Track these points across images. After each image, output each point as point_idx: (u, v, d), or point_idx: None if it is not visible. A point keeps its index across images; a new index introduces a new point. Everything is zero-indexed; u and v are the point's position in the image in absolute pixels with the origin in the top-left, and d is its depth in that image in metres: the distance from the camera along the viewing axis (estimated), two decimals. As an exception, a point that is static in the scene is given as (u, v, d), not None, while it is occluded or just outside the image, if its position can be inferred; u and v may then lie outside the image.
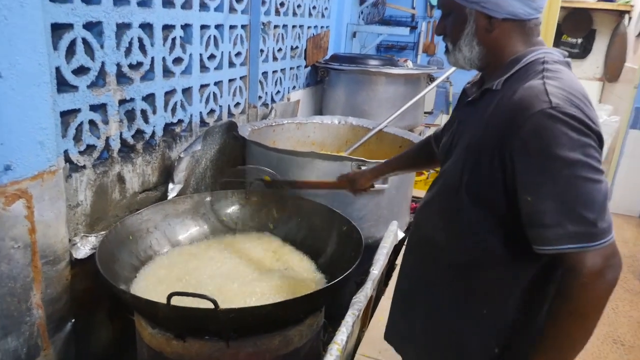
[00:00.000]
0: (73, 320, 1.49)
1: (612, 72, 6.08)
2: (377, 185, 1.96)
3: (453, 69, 2.59)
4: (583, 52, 6.45)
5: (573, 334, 1.00)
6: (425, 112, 4.21)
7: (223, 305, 1.17)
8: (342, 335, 1.24)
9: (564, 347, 1.01)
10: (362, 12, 4.38)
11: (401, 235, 2.11)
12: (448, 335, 1.17)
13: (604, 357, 2.83)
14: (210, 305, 1.16)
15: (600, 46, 6.40)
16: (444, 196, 1.14)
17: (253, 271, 1.61)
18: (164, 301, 1.18)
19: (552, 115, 0.93)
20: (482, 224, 1.07)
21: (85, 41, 1.47)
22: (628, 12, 5.79)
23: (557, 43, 6.53)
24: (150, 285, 1.51)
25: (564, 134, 0.93)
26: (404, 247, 1.38)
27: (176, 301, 1.18)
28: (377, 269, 1.61)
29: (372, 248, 1.83)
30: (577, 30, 6.42)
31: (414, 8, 5.25)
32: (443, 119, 5.33)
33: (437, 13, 5.28)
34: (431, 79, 3.44)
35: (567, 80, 1.01)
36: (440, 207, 1.16)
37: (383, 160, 1.64)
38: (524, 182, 0.97)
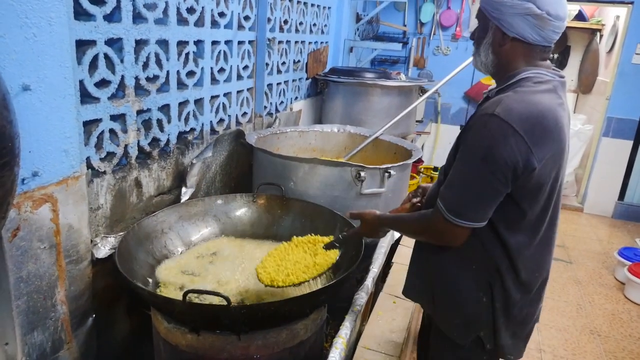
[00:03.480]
0: (94, 316, 1.47)
1: (585, 84, 6.10)
2: (375, 189, 1.96)
3: (442, 82, 2.59)
4: (559, 66, 6.48)
5: (409, 228, 1.40)
6: (416, 121, 4.21)
7: (235, 301, 1.16)
8: (346, 330, 1.23)
9: (402, 226, 1.43)
10: (358, 29, 4.39)
11: (397, 235, 2.10)
12: (449, 286, 1.35)
13: (582, 347, 2.83)
14: (223, 302, 1.14)
15: (574, 61, 6.43)
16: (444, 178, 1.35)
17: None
18: (180, 298, 1.17)
19: (485, 122, 1.12)
20: None
21: (106, 56, 1.46)
22: (599, 30, 5.82)
23: (536, 58, 6.56)
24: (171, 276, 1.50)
25: (487, 137, 1.12)
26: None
27: (191, 298, 1.17)
28: (376, 267, 1.60)
29: (371, 247, 1.82)
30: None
31: (405, 25, 5.26)
32: (432, 127, 5.34)
33: (426, 30, 5.30)
34: (422, 90, 3.44)
35: (529, 98, 1.14)
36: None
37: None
38: (457, 158, 1.21)
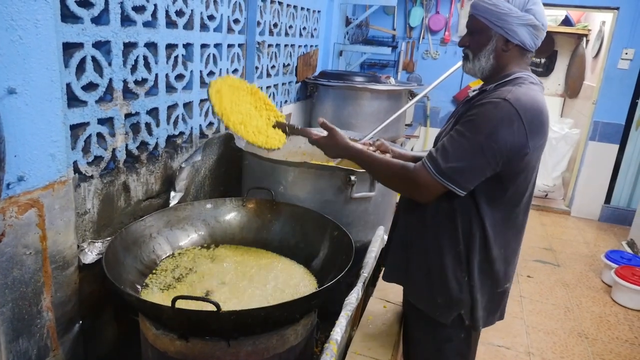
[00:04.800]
0: (81, 322, 1.45)
1: (572, 89, 6.19)
2: (365, 193, 1.96)
3: (431, 86, 2.61)
4: (546, 70, 6.57)
5: (380, 167, 1.46)
6: (406, 124, 4.23)
7: (224, 307, 1.15)
8: (337, 335, 1.22)
9: (368, 164, 1.49)
10: (347, 33, 4.40)
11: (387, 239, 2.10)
12: (434, 269, 1.46)
13: (570, 349, 2.86)
14: (213, 308, 1.14)
15: (561, 66, 6.52)
16: None
17: (252, 274, 1.59)
18: (169, 303, 1.15)
19: (497, 104, 1.26)
20: None
21: (94, 59, 1.44)
22: (586, 35, 5.91)
23: (523, 62, 6.63)
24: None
25: (496, 117, 1.25)
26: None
27: (179, 304, 1.15)
28: (366, 271, 1.60)
29: (361, 251, 1.82)
30: (541, 51, 6.53)
31: (394, 29, 5.29)
32: (421, 131, 5.37)
33: (415, 34, 5.33)
34: (411, 94, 3.46)
35: (532, 94, 1.31)
36: None
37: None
38: (457, 128, 1.32)
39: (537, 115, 1.29)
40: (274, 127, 1.61)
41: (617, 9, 4.62)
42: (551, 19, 6.08)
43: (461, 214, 1.40)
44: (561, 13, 5.99)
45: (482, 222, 1.39)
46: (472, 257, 1.41)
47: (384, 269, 1.67)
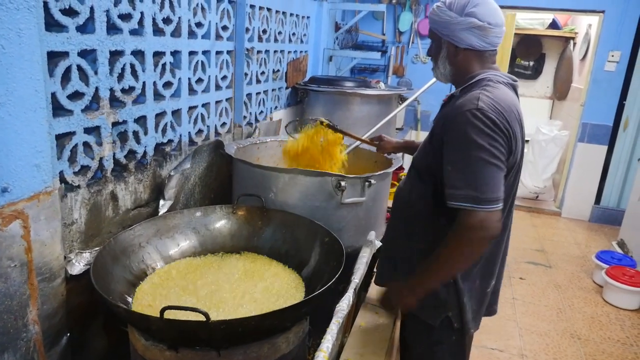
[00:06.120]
0: (68, 334, 1.43)
1: (560, 91, 6.25)
2: (355, 199, 1.96)
3: (422, 89, 2.62)
4: (534, 73, 6.63)
5: (444, 263, 1.36)
6: (396, 129, 4.24)
7: (214, 317, 1.14)
8: (327, 343, 1.21)
9: (436, 270, 1.38)
10: (337, 38, 4.41)
11: (378, 244, 2.10)
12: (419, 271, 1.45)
13: (562, 350, 2.87)
14: (202, 318, 1.12)
15: (549, 68, 6.58)
16: (415, 171, 1.56)
17: (241, 283, 1.57)
18: (157, 314, 1.14)
19: (474, 114, 1.25)
20: (440, 190, 1.36)
21: (80, 68, 1.43)
22: (573, 38, 5.98)
23: (512, 65, 6.70)
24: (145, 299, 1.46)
25: (477, 127, 1.23)
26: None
27: (168, 314, 1.14)
28: (357, 277, 1.59)
29: (352, 257, 1.81)
30: (529, 54, 6.60)
31: (384, 34, 5.31)
32: (412, 135, 5.38)
33: (404, 39, 5.36)
34: (402, 98, 3.47)
35: (499, 94, 1.31)
36: (414, 176, 1.55)
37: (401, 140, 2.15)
38: (447, 156, 1.31)
39: (510, 112, 1.30)
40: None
41: (603, 12, 4.68)
42: (538, 22, 6.15)
43: (445, 219, 1.40)
44: (548, 16, 6.05)
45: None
46: None
47: (375, 272, 1.73)
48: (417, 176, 1.54)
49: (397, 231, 1.64)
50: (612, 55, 4.70)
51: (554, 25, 6.03)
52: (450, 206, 1.29)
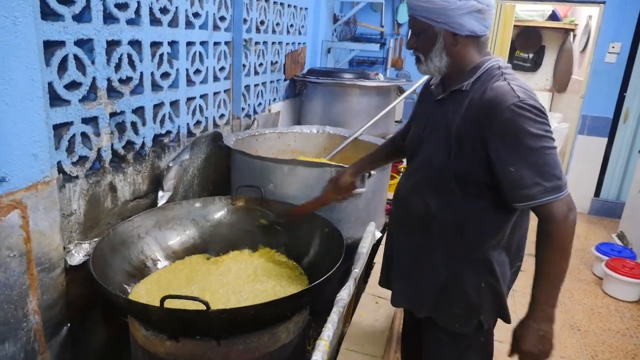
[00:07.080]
0: (69, 325, 1.44)
1: (560, 83, 6.24)
2: (357, 190, 1.96)
3: (420, 81, 2.62)
4: (534, 66, 6.62)
5: (560, 265, 1.20)
6: (395, 121, 4.23)
7: (214, 306, 1.14)
8: (328, 332, 1.22)
9: (557, 277, 1.22)
10: (335, 30, 4.40)
11: (378, 235, 2.10)
12: (450, 283, 1.35)
13: (562, 342, 2.88)
14: (202, 307, 1.12)
15: (549, 60, 6.57)
16: (434, 178, 1.32)
17: (241, 273, 1.58)
18: (157, 304, 1.14)
19: (521, 107, 1.15)
20: (470, 192, 1.27)
21: (76, 57, 1.42)
22: (573, 30, 5.96)
23: (512, 58, 6.68)
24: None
25: (531, 119, 1.15)
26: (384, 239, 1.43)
27: (168, 303, 1.14)
28: (358, 267, 1.60)
29: (352, 248, 1.82)
30: (528, 46, 6.59)
31: (382, 26, 5.29)
32: (411, 128, 5.37)
33: (403, 31, 5.33)
34: (400, 90, 3.46)
35: (520, 81, 1.24)
36: (431, 185, 1.33)
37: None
38: (505, 158, 1.18)
39: (537, 101, 1.21)
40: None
41: (604, 2, 4.66)
42: (538, 14, 6.13)
43: (471, 221, 1.30)
44: (548, 8, 6.04)
45: (493, 224, 1.30)
46: (491, 261, 1.33)
47: (391, 293, 1.52)
48: (448, 191, 1.30)
49: (414, 249, 1.42)
50: (613, 47, 4.68)
51: (553, 16, 6.01)
52: (524, 207, 1.21)
